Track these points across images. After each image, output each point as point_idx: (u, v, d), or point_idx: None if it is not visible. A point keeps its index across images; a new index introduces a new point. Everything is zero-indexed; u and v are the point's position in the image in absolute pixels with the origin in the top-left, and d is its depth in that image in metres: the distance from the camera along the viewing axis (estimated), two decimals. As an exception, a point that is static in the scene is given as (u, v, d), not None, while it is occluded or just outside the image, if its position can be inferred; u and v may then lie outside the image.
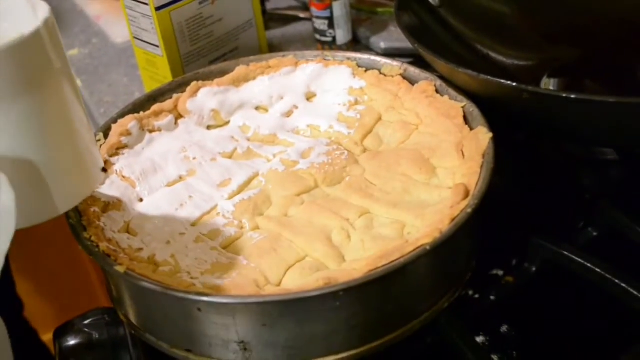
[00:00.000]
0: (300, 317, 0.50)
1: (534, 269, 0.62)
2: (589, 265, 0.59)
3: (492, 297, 0.61)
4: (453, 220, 0.52)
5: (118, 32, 1.10)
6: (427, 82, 0.69)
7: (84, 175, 0.51)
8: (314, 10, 0.94)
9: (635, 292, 0.56)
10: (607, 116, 0.56)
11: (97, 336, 0.68)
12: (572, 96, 0.55)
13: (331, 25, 0.94)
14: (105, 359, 0.67)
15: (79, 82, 1.01)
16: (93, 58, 1.07)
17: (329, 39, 0.95)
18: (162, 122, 0.70)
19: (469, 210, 0.53)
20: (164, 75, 0.81)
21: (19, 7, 0.48)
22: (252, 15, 0.86)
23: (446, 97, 0.67)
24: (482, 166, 0.57)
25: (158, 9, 0.76)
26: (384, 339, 0.53)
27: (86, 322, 0.69)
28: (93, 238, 0.55)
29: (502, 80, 0.59)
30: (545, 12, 0.81)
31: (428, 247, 0.50)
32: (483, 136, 0.60)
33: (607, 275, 0.58)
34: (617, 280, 0.57)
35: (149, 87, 0.85)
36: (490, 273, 0.63)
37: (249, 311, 0.50)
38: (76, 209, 0.58)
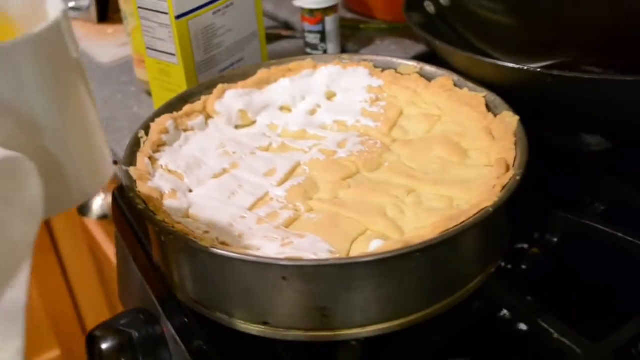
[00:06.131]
0: (378, 280, 0.54)
1: (555, 240, 0.69)
2: (608, 230, 0.66)
3: (523, 267, 0.67)
4: (504, 187, 0.58)
5: (102, 52, 1.11)
6: (445, 77, 0.74)
7: (98, 167, 0.51)
8: (307, 25, 0.99)
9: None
10: (622, 94, 0.64)
11: (136, 335, 0.68)
12: (594, 77, 0.63)
13: (323, 39, 0.99)
14: (147, 356, 0.67)
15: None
16: (78, 78, 1.07)
17: (320, 53, 1.00)
18: (195, 122, 0.72)
19: (518, 177, 0.58)
20: (178, 84, 0.83)
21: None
22: (256, 28, 0.90)
23: (465, 89, 0.73)
24: (515, 143, 0.63)
25: (178, 17, 0.79)
26: (445, 301, 0.57)
27: (123, 322, 0.69)
28: (167, 220, 0.57)
29: (525, 67, 0.65)
30: (542, 23, 0.88)
31: (491, 209, 0.55)
32: (510, 119, 0.66)
33: (628, 238, 0.65)
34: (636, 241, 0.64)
35: (158, 96, 0.87)
36: (516, 247, 0.69)
37: (335, 274, 0.53)
38: (140, 197, 0.60)
